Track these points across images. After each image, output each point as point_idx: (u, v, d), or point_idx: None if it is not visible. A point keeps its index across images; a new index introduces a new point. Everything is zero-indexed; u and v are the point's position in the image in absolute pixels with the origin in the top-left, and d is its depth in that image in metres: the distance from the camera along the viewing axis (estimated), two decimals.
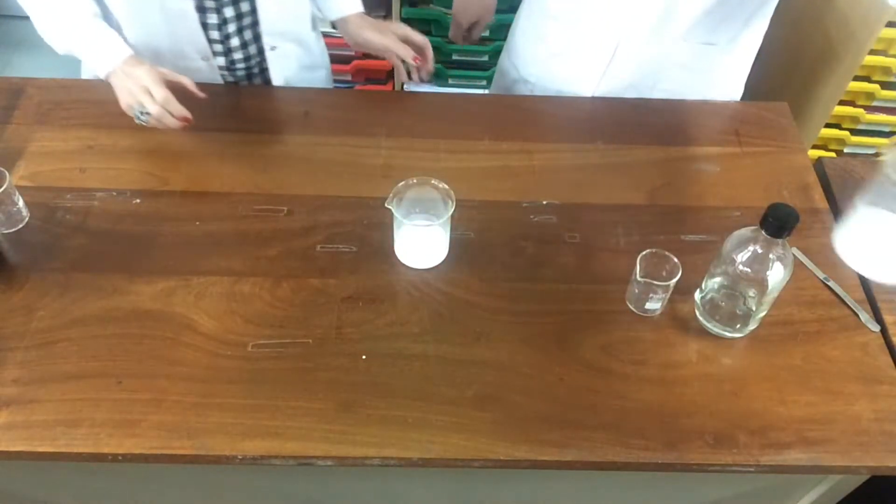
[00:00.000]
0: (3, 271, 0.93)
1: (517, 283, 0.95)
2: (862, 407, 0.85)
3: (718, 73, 1.21)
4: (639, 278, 0.89)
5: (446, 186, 0.92)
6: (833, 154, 2.19)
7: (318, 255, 0.97)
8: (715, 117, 1.19)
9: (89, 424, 0.80)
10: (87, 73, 1.24)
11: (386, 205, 0.89)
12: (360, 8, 1.20)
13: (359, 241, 0.98)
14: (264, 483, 1.03)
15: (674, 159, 1.12)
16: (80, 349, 0.86)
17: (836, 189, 1.09)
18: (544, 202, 1.05)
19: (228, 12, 1.12)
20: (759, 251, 0.83)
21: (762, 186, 1.08)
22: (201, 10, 1.10)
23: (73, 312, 0.89)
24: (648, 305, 0.91)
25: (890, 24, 1.85)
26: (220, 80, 1.21)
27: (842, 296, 0.95)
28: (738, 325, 0.90)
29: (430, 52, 1.17)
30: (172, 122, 1.01)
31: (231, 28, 1.14)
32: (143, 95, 0.99)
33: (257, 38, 1.18)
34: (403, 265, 0.96)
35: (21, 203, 0.98)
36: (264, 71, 1.23)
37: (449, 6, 1.68)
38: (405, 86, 2.21)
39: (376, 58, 2.09)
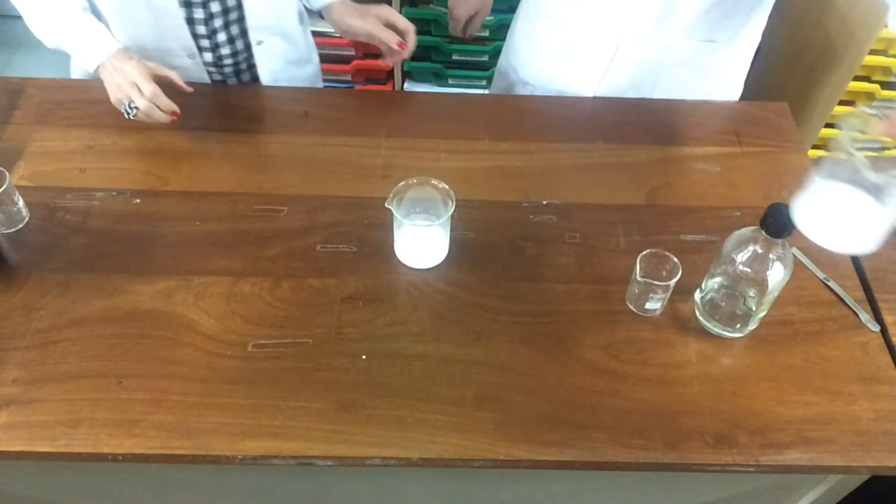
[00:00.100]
0: (3, 271, 0.93)
1: (517, 283, 0.95)
2: (862, 407, 0.85)
3: (719, 69, 1.21)
4: (639, 278, 0.89)
5: (446, 186, 0.92)
6: None
7: (318, 255, 0.97)
8: (715, 117, 1.19)
9: (89, 424, 0.80)
10: (76, 72, 1.24)
11: (386, 205, 0.89)
12: None
13: (359, 241, 0.98)
14: (264, 483, 1.03)
15: (674, 159, 1.12)
16: (80, 349, 0.86)
17: None
18: (544, 202, 1.05)
19: (215, 7, 1.12)
20: (759, 251, 0.83)
21: (762, 186, 1.08)
22: (187, 5, 1.10)
23: (73, 312, 0.89)
24: (648, 305, 0.91)
25: None
26: (206, 78, 1.21)
27: (842, 296, 0.95)
28: (738, 325, 0.90)
29: (412, 37, 1.16)
30: (161, 116, 1.02)
31: (218, 23, 1.14)
32: (132, 90, 1.00)
33: (244, 33, 1.18)
34: (403, 265, 0.96)
35: (21, 203, 0.98)
36: (252, 67, 1.23)
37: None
38: (405, 86, 2.21)
39: (376, 58, 2.11)
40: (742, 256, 0.84)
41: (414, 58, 2.14)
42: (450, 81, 2.19)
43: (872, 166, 0.73)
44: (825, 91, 1.77)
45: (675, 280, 0.88)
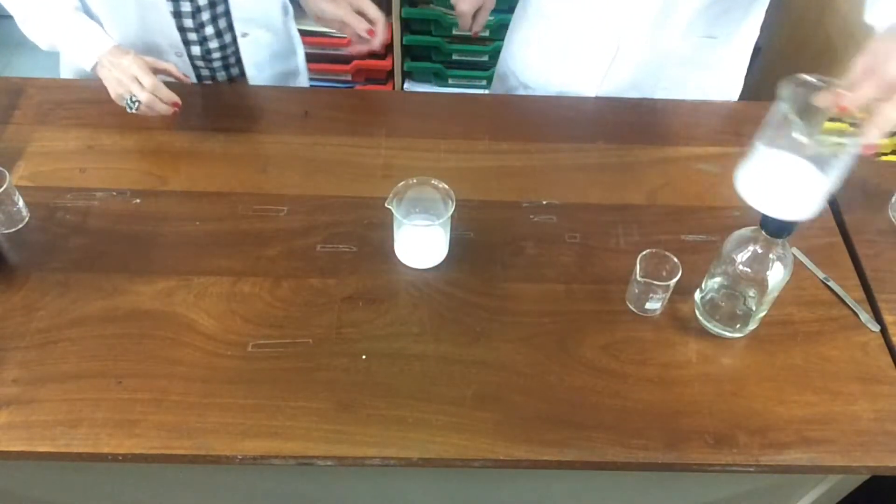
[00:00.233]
0: (3, 271, 0.93)
1: (517, 283, 0.95)
2: (862, 407, 0.85)
3: (719, 65, 1.21)
4: (639, 278, 0.89)
5: (446, 186, 0.92)
6: None
7: (318, 255, 0.97)
8: (715, 117, 1.19)
9: (89, 424, 0.80)
10: (66, 71, 1.25)
11: (386, 205, 0.89)
12: None
13: (359, 241, 0.98)
14: (264, 483, 1.03)
15: (674, 159, 1.12)
16: (80, 349, 0.86)
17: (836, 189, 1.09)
18: (544, 202, 1.05)
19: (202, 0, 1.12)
20: (759, 251, 0.83)
21: None
22: None
23: (73, 312, 0.89)
24: (648, 305, 0.91)
25: None
26: (194, 76, 1.21)
27: (842, 296, 0.95)
28: (738, 325, 0.90)
29: (381, 27, 1.14)
30: (163, 108, 1.02)
31: (205, 16, 1.15)
32: (132, 84, 1.01)
33: (231, 26, 1.18)
34: (403, 265, 0.96)
35: (21, 203, 0.98)
36: (240, 61, 1.23)
37: (448, 6, 1.68)
38: (405, 86, 2.21)
39: (376, 58, 2.11)
40: (742, 256, 0.84)
41: (414, 58, 2.16)
42: (450, 81, 2.19)
43: (808, 132, 0.74)
44: None
45: (675, 280, 0.88)
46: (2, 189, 0.93)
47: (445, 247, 0.96)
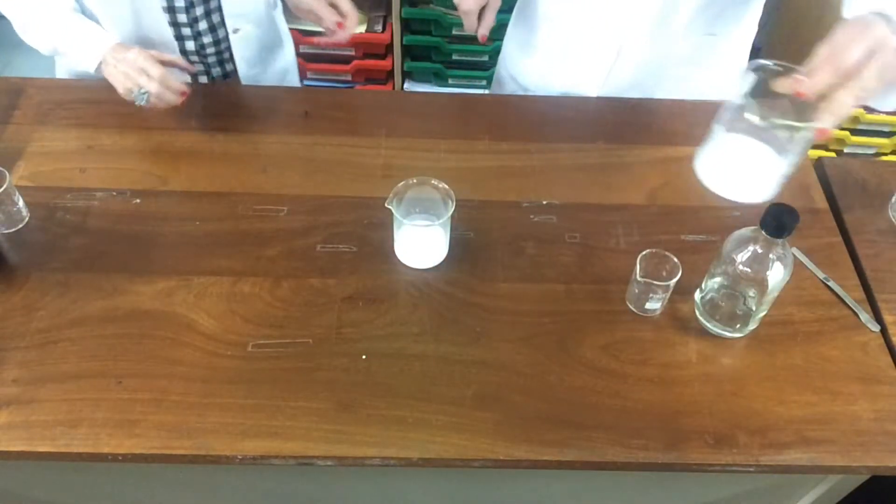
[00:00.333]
0: (3, 271, 0.93)
1: (517, 283, 0.95)
2: (862, 407, 0.85)
3: (720, 62, 1.21)
4: (639, 278, 0.89)
5: (446, 186, 0.92)
6: (833, 154, 2.19)
7: (318, 255, 0.97)
8: (714, 117, 1.19)
9: (89, 424, 0.80)
10: (61, 71, 1.25)
11: (386, 205, 0.89)
12: None
13: (359, 241, 0.98)
14: (264, 483, 1.03)
15: (674, 159, 1.12)
16: (80, 349, 0.86)
17: (836, 189, 1.09)
18: (544, 202, 1.05)
19: None
20: (759, 251, 0.83)
21: None
22: None
23: (73, 312, 0.89)
24: (648, 305, 0.91)
25: None
26: (186, 75, 1.21)
27: (842, 296, 0.95)
28: (738, 325, 0.90)
29: (352, 22, 1.13)
30: (172, 98, 1.02)
31: (199, 11, 1.15)
32: (140, 76, 1.01)
33: (223, 21, 1.18)
34: (403, 265, 0.96)
35: (21, 203, 0.98)
36: (234, 57, 1.24)
37: (449, 6, 1.68)
38: (405, 86, 2.21)
39: (376, 58, 2.11)
40: (742, 256, 0.84)
41: (414, 58, 2.16)
42: (450, 81, 2.19)
43: (763, 115, 0.75)
44: None
45: (675, 280, 0.88)
46: (2, 189, 0.93)
47: (445, 247, 0.96)
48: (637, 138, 1.14)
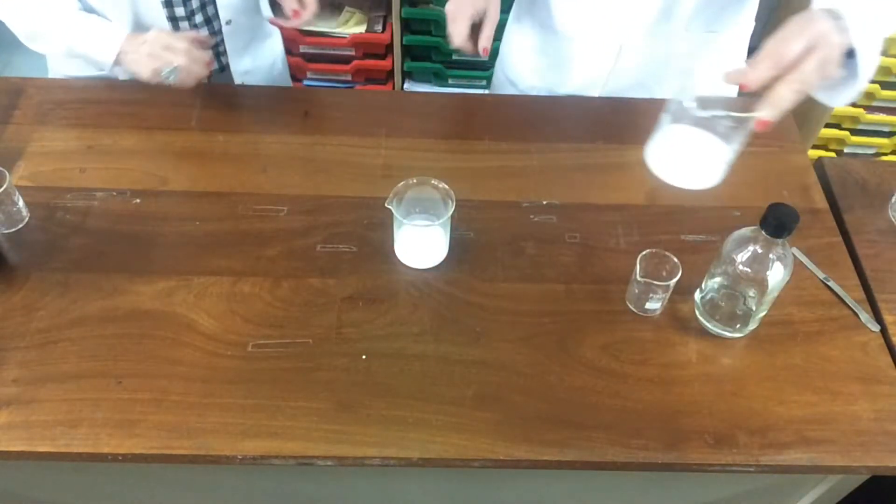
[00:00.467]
0: (3, 271, 0.93)
1: (517, 283, 0.95)
2: (862, 407, 0.85)
3: (720, 59, 1.21)
4: (639, 278, 0.89)
5: (446, 186, 0.92)
6: (833, 154, 2.19)
7: (318, 255, 0.97)
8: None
9: (89, 424, 0.80)
10: (53, 73, 1.25)
11: (386, 205, 0.89)
12: None
13: (359, 241, 0.98)
14: (264, 483, 1.03)
15: None
16: (80, 349, 0.86)
17: (836, 189, 1.09)
18: (544, 202, 1.05)
19: None
20: (759, 251, 0.83)
21: (762, 186, 1.08)
22: None
23: (73, 312, 0.89)
24: (648, 305, 0.91)
25: None
26: None
27: (842, 296, 0.95)
28: (738, 325, 0.90)
29: (308, 12, 1.14)
30: (200, 70, 1.04)
31: (195, 3, 1.16)
32: (166, 53, 1.02)
33: (217, 13, 1.19)
34: (403, 265, 0.96)
35: (21, 203, 0.98)
36: (227, 49, 1.25)
37: None
38: (405, 86, 2.21)
39: (376, 58, 2.11)
40: (742, 256, 0.84)
41: (414, 58, 2.16)
42: (450, 81, 2.19)
43: (707, 106, 0.80)
44: None
45: (675, 280, 0.88)
46: (2, 189, 0.93)
47: (445, 247, 0.96)
48: (637, 138, 1.14)
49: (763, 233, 0.80)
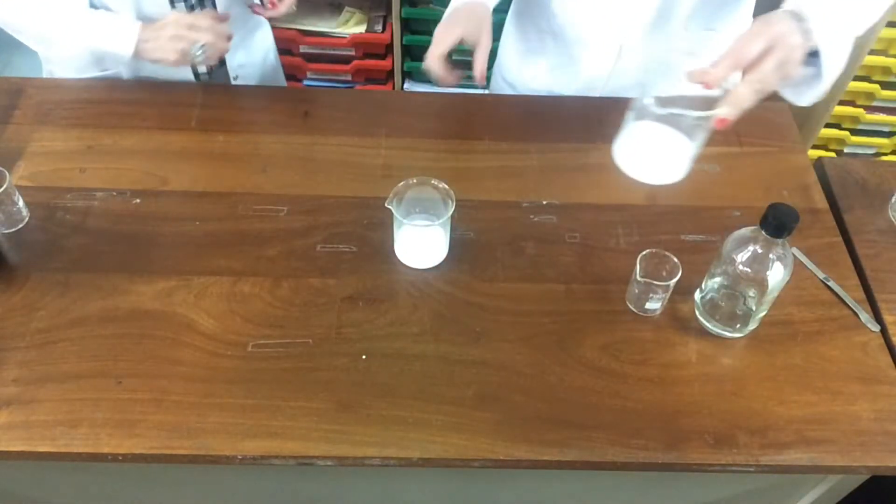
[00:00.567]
0: (3, 271, 0.93)
1: (517, 283, 0.95)
2: (862, 407, 0.85)
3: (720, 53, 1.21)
4: (639, 278, 0.89)
5: (446, 186, 0.92)
6: (833, 154, 2.19)
7: (318, 255, 0.97)
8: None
9: (89, 424, 0.80)
10: (46, 72, 1.25)
11: (386, 205, 0.89)
12: None
13: (359, 241, 0.98)
14: (264, 483, 1.03)
15: None
16: (80, 349, 0.86)
17: (836, 189, 1.09)
18: (544, 202, 1.05)
19: None
20: (759, 251, 0.83)
21: (762, 186, 1.08)
22: None
23: (73, 312, 0.89)
24: (648, 305, 0.91)
25: (890, 24, 1.85)
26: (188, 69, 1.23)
27: (842, 296, 0.95)
28: (738, 325, 0.90)
29: (284, 5, 1.16)
30: (224, 46, 1.06)
31: None
32: (190, 32, 1.03)
33: (214, 5, 1.19)
34: (403, 265, 0.96)
35: (21, 203, 0.98)
36: None
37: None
38: (405, 86, 2.21)
39: (376, 58, 2.11)
40: (742, 256, 0.84)
41: (414, 58, 2.16)
42: None
43: (669, 104, 0.82)
44: None
45: (675, 280, 0.88)
46: (2, 189, 0.93)
47: (445, 247, 0.96)
48: None
49: (763, 233, 0.80)
